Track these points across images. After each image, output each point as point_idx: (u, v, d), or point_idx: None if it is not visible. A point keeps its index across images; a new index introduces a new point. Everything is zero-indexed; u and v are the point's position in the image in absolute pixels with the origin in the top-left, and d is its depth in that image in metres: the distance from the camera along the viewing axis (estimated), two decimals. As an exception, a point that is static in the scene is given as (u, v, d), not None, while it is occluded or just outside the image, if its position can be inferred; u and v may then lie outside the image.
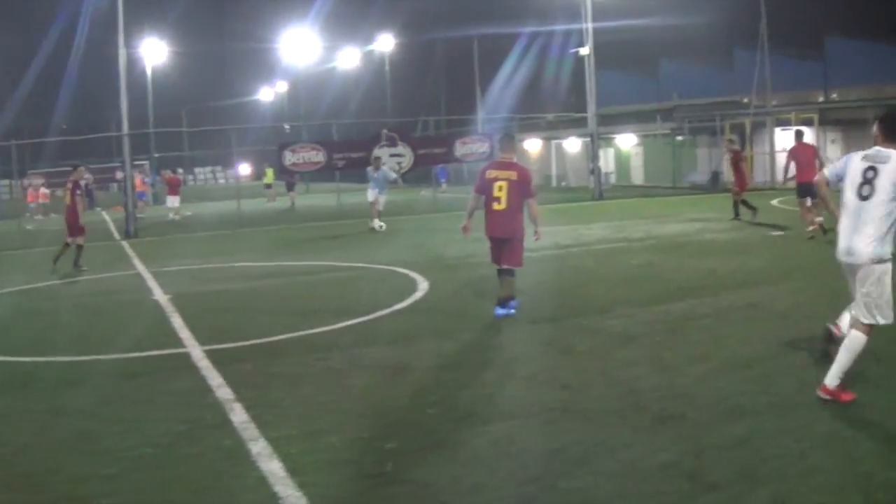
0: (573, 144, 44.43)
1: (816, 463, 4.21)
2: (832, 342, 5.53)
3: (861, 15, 38.24)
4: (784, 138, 34.92)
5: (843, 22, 39.33)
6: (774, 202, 21.84)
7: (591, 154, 31.46)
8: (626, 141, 43.13)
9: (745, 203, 17.03)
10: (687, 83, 45.70)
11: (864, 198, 4.98)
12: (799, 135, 14.82)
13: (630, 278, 10.35)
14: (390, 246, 15.60)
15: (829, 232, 11.43)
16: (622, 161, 44.15)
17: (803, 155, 13.84)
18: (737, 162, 17.94)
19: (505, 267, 8.14)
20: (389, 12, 54.76)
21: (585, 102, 31.73)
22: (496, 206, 7.95)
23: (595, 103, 30.82)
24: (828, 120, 34.33)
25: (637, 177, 43.02)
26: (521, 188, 7.96)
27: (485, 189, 8.08)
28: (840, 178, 5.21)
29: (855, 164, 5.10)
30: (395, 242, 16.30)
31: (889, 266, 5.04)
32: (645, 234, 15.59)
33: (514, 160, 8.24)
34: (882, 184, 4.91)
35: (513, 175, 7.94)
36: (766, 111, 34.68)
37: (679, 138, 39.25)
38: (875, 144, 5.14)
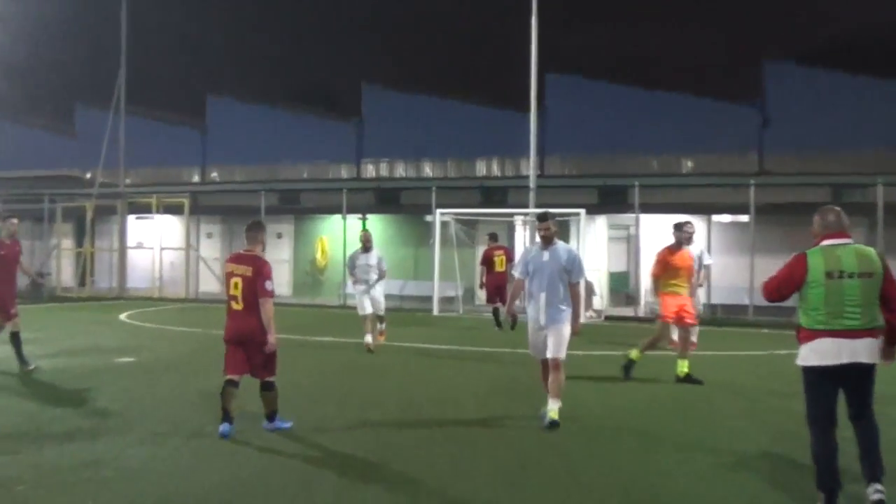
0: None
1: None
2: None
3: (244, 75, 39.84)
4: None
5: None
6: (123, 316, 17.97)
7: None
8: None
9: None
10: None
11: None
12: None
13: None
14: None
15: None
16: None
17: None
18: None
19: (264, 380, 6.94)
20: None
21: None
22: (234, 306, 6.86)
23: None
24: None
25: None
26: (256, 285, 6.80)
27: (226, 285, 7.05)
28: None
29: None
30: None
31: None
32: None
33: (257, 252, 7.02)
34: None
35: (248, 271, 6.83)
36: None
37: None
38: None
